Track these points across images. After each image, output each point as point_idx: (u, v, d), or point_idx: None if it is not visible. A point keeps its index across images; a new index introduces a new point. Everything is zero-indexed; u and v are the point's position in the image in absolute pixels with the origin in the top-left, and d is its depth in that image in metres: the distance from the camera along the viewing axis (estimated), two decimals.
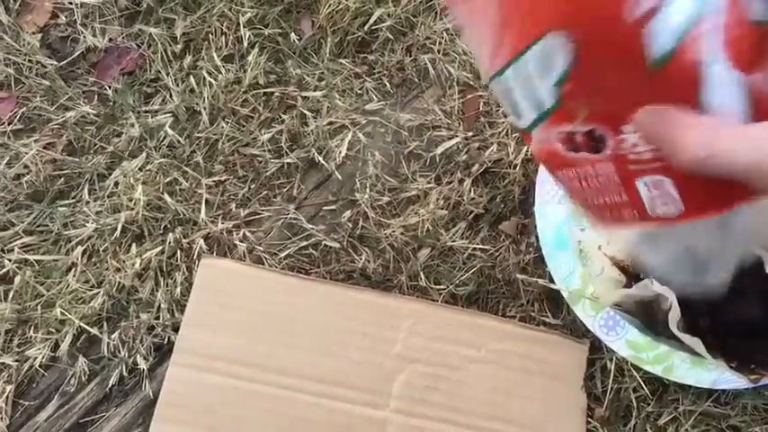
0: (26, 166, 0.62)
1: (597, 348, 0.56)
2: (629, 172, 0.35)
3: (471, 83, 0.65)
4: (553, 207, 0.57)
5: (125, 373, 0.56)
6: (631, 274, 0.57)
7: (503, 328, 0.57)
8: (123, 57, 0.67)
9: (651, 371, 0.55)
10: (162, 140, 0.63)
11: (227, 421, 0.53)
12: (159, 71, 0.66)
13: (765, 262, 0.54)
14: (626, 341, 0.55)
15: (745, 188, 0.31)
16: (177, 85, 0.65)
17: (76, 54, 0.67)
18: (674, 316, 0.52)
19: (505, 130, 0.63)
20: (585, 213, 0.39)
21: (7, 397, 0.55)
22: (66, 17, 0.68)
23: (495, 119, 0.63)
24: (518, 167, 0.61)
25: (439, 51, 0.65)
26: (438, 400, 0.55)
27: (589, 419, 0.55)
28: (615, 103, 0.34)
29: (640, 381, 0.56)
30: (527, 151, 0.61)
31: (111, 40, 0.67)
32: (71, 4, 0.68)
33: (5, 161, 0.62)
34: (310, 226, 0.60)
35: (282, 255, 0.59)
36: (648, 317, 0.55)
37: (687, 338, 0.52)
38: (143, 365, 0.55)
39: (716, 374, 0.54)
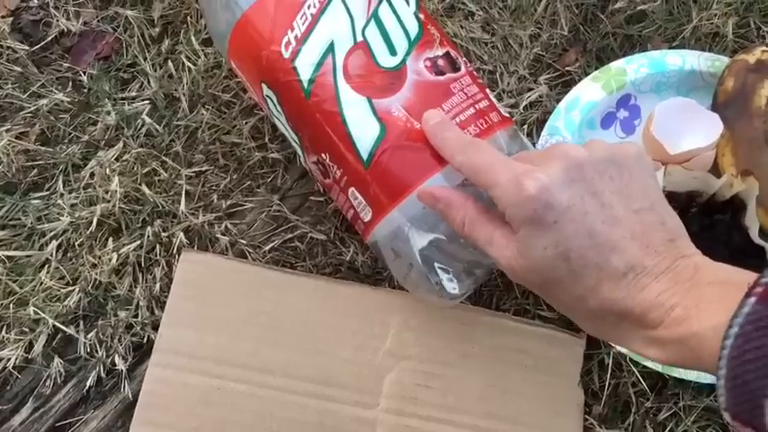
0: None
1: (594, 343, 0.54)
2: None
3: None
4: None
5: (103, 374, 0.53)
6: None
7: (497, 323, 0.55)
8: (98, 41, 0.64)
9: (651, 366, 0.53)
10: (139, 129, 0.60)
11: (210, 423, 0.51)
12: (136, 56, 0.63)
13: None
14: None
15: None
16: (155, 71, 0.62)
17: (49, 39, 0.64)
18: None
19: None
20: None
21: None
22: (38, 0, 0.65)
23: None
24: None
25: None
26: (430, 399, 0.53)
27: (586, 416, 0.53)
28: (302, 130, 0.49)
29: (639, 375, 0.54)
30: None
31: (85, 23, 0.64)
32: None
33: None
34: (295, 217, 0.57)
35: (266, 248, 0.56)
36: None
37: None
38: (122, 366, 0.53)
39: None
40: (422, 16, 0.50)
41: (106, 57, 0.64)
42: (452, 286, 0.47)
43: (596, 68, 0.60)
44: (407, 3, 0.50)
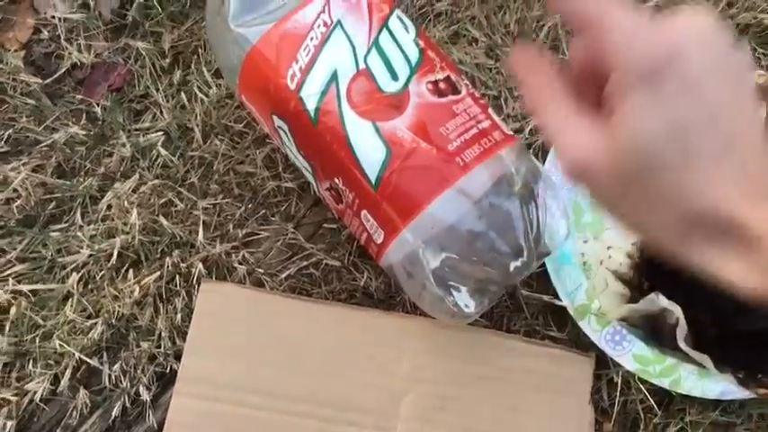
0: (15, 191, 0.61)
1: (603, 362, 0.56)
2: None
3: None
4: (559, 219, 0.57)
5: (128, 404, 0.55)
6: (636, 288, 0.56)
7: (508, 344, 0.56)
8: (110, 72, 0.66)
9: (658, 384, 0.55)
10: (154, 160, 0.61)
11: None
12: (148, 87, 0.64)
13: None
14: (633, 355, 0.55)
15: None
16: (168, 102, 0.63)
17: (62, 71, 0.65)
18: (682, 331, 0.52)
19: None
20: None
21: (6, 429, 0.54)
22: (48, 32, 0.66)
23: None
24: None
25: None
26: (447, 420, 0.54)
27: None
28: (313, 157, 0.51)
29: (646, 393, 0.56)
30: None
31: (97, 55, 0.65)
32: (53, 18, 0.66)
33: None
34: (310, 245, 0.59)
35: (283, 276, 0.58)
36: (655, 330, 0.55)
37: (695, 354, 0.52)
38: (146, 396, 0.55)
39: (723, 386, 0.54)
40: (422, 42, 0.51)
41: (119, 88, 0.65)
42: (466, 304, 0.48)
43: None
44: (407, 30, 0.51)
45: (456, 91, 0.50)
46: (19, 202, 0.60)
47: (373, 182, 0.48)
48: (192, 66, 0.64)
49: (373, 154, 0.48)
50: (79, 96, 0.65)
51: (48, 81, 0.65)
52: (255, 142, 0.61)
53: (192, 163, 0.61)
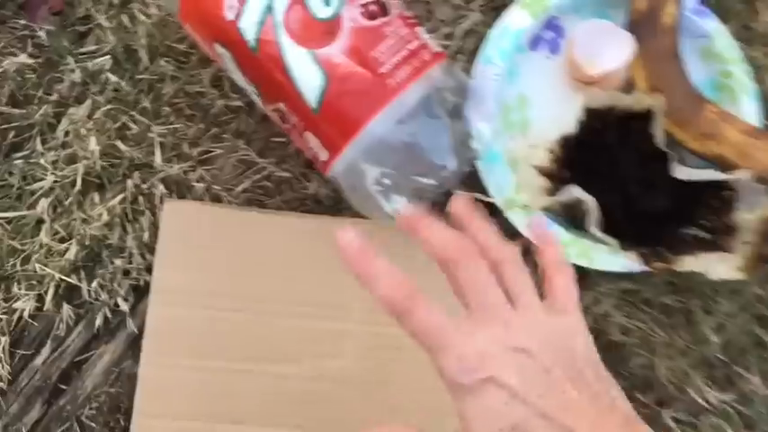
0: None
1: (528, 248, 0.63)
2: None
3: None
4: (483, 125, 0.62)
5: (108, 315, 0.61)
6: (557, 180, 0.63)
7: None
8: None
9: (576, 262, 0.62)
10: (105, 84, 0.64)
11: (211, 348, 0.60)
12: (89, 8, 0.66)
13: (670, 160, 0.60)
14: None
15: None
16: (110, 23, 0.65)
17: None
18: (593, 217, 0.59)
19: None
20: None
21: (3, 347, 0.60)
22: None
23: None
24: None
25: None
26: None
27: None
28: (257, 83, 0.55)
29: None
30: None
31: None
32: None
33: None
34: (261, 159, 0.63)
35: (239, 189, 0.63)
36: (572, 217, 0.62)
37: (605, 237, 0.59)
38: (124, 306, 0.61)
39: (629, 262, 0.62)
40: None
41: (59, 11, 0.66)
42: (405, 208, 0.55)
43: None
44: None
45: (386, 12, 0.54)
46: None
47: (314, 106, 0.52)
48: None
49: (312, 80, 0.52)
50: (22, 21, 0.66)
51: None
52: (201, 62, 0.64)
53: (142, 86, 0.64)
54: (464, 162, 0.57)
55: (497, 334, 0.39)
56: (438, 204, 0.63)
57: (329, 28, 0.52)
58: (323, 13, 0.52)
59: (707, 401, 0.63)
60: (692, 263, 0.59)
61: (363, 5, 0.53)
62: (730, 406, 0.63)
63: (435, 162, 0.55)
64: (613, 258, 0.61)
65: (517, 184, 0.63)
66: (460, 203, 0.48)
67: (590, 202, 0.59)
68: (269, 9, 0.52)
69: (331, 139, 0.54)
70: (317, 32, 0.52)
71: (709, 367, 0.64)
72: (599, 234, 0.59)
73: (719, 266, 0.59)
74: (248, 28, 0.52)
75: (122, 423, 0.60)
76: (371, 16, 0.53)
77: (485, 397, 0.37)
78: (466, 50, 0.66)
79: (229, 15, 0.52)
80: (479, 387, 0.37)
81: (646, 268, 0.60)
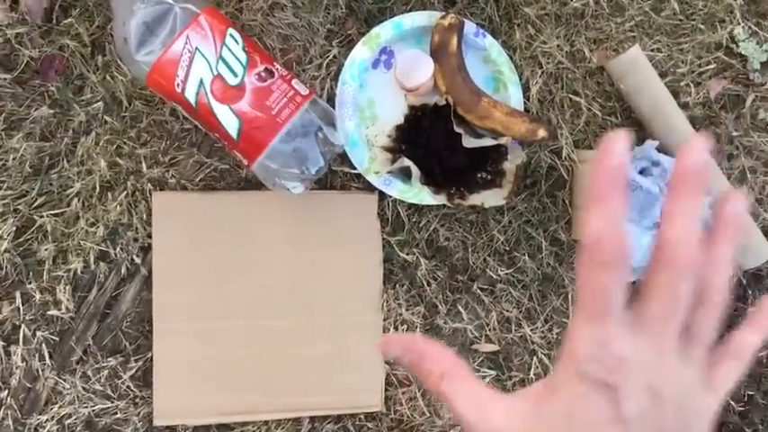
0: (22, 155, 1.00)
1: (382, 196, 1.03)
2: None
3: None
4: (348, 122, 1.00)
5: (129, 266, 1.00)
6: (395, 154, 1.02)
7: (327, 196, 1.02)
8: (54, 61, 1.01)
9: (411, 201, 1.02)
10: (102, 121, 1.00)
11: (203, 272, 1.00)
12: (82, 71, 1.01)
13: (462, 134, 0.99)
14: (397, 190, 1.02)
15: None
16: (98, 78, 1.00)
17: (22, 65, 1.00)
18: (416, 176, 0.99)
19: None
20: None
21: (68, 291, 0.99)
22: (2, 37, 1.00)
23: None
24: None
25: None
26: (310, 259, 1.02)
27: (384, 237, 1.04)
28: (202, 125, 0.92)
29: (405, 207, 1.03)
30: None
31: (40, 50, 1.01)
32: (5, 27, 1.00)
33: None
34: (208, 159, 1.01)
35: (197, 180, 1.01)
36: (406, 176, 1.02)
37: (424, 187, 0.99)
38: (138, 260, 1.00)
39: (443, 199, 1.02)
40: (248, 48, 0.90)
41: (62, 72, 1.01)
42: (295, 187, 0.93)
43: (367, 29, 1.01)
44: (237, 42, 0.90)
45: (272, 75, 0.91)
46: (27, 160, 0.99)
47: (235, 138, 0.90)
48: (106, 50, 1.00)
49: (232, 123, 0.89)
50: (38, 81, 1.01)
51: (14, 75, 1.00)
52: (163, 101, 1.00)
53: (126, 120, 1.00)
54: (332, 154, 0.95)
55: (650, 359, 0.34)
56: (317, 183, 1.02)
57: (238, 91, 0.89)
58: (233, 81, 0.89)
59: (498, 275, 1.05)
60: (476, 198, 1.00)
61: (257, 74, 0.90)
62: (512, 276, 1.06)
63: (310, 160, 0.93)
64: (432, 197, 1.02)
65: (370, 158, 1.01)
66: (738, 205, 0.37)
67: (413, 166, 0.98)
68: (201, 83, 0.89)
69: (248, 154, 0.92)
70: (231, 94, 0.89)
71: (499, 254, 1.06)
72: (420, 185, 0.99)
73: (493, 198, 1.00)
74: (190, 96, 0.89)
75: (147, 328, 1.00)
76: (263, 80, 0.90)
77: (592, 400, 0.33)
78: (332, 73, 1.03)
79: (178, 89, 0.89)
80: (595, 386, 0.33)
81: (450, 203, 1.00)
